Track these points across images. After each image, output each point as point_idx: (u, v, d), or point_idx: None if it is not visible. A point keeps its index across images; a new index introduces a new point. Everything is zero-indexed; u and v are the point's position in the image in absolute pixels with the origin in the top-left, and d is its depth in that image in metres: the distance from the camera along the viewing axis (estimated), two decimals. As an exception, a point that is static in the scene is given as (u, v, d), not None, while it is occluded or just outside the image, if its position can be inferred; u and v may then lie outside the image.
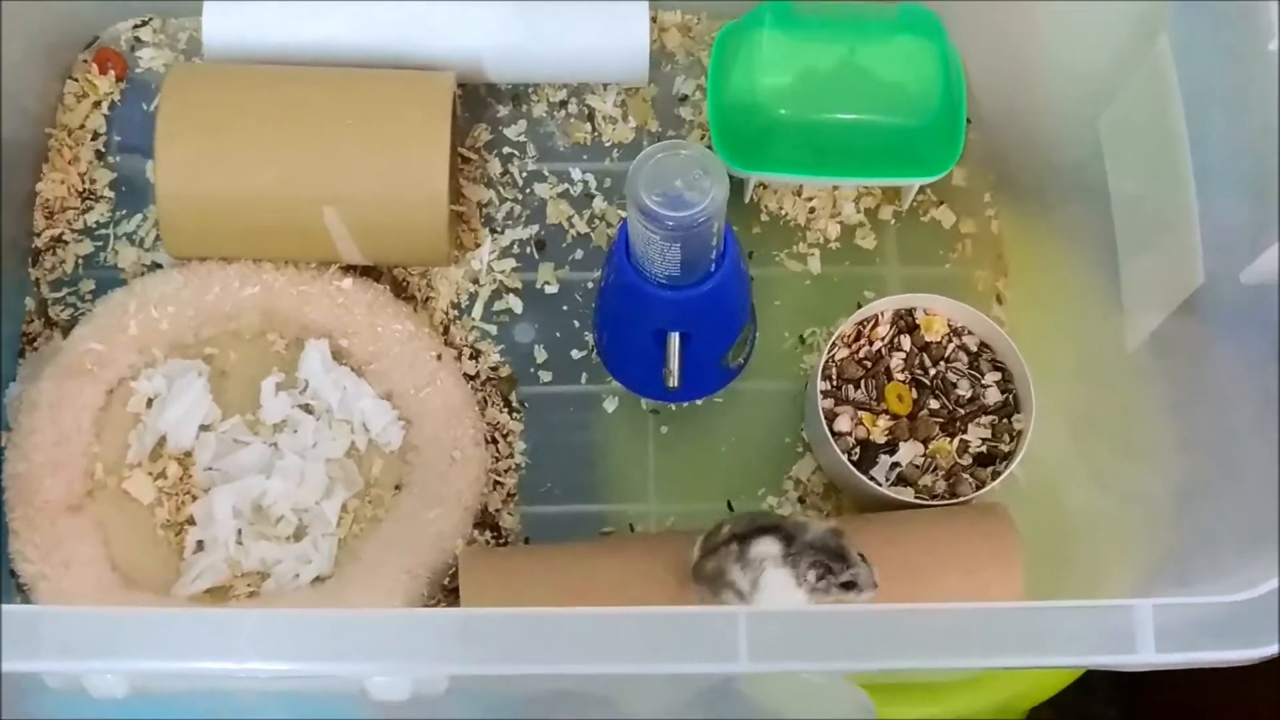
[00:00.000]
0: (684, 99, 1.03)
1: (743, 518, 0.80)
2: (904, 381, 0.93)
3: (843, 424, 0.91)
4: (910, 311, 0.94)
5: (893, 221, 1.01)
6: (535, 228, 0.99)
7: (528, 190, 1.00)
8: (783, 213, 1.00)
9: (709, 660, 0.62)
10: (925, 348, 0.93)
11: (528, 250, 0.99)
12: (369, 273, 0.95)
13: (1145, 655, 0.64)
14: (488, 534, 0.92)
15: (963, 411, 0.92)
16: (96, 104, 1.00)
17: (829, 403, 0.92)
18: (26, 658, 0.60)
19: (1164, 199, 0.80)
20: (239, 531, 0.88)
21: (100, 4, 1.01)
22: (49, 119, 0.99)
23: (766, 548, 0.77)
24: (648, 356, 0.91)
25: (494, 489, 0.93)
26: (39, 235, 0.97)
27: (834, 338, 0.92)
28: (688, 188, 0.80)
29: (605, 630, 0.62)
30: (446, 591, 0.89)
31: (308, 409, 0.92)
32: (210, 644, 0.61)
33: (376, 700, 0.64)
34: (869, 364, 0.93)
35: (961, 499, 0.90)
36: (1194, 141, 0.77)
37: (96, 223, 0.98)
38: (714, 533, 0.80)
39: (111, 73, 1.01)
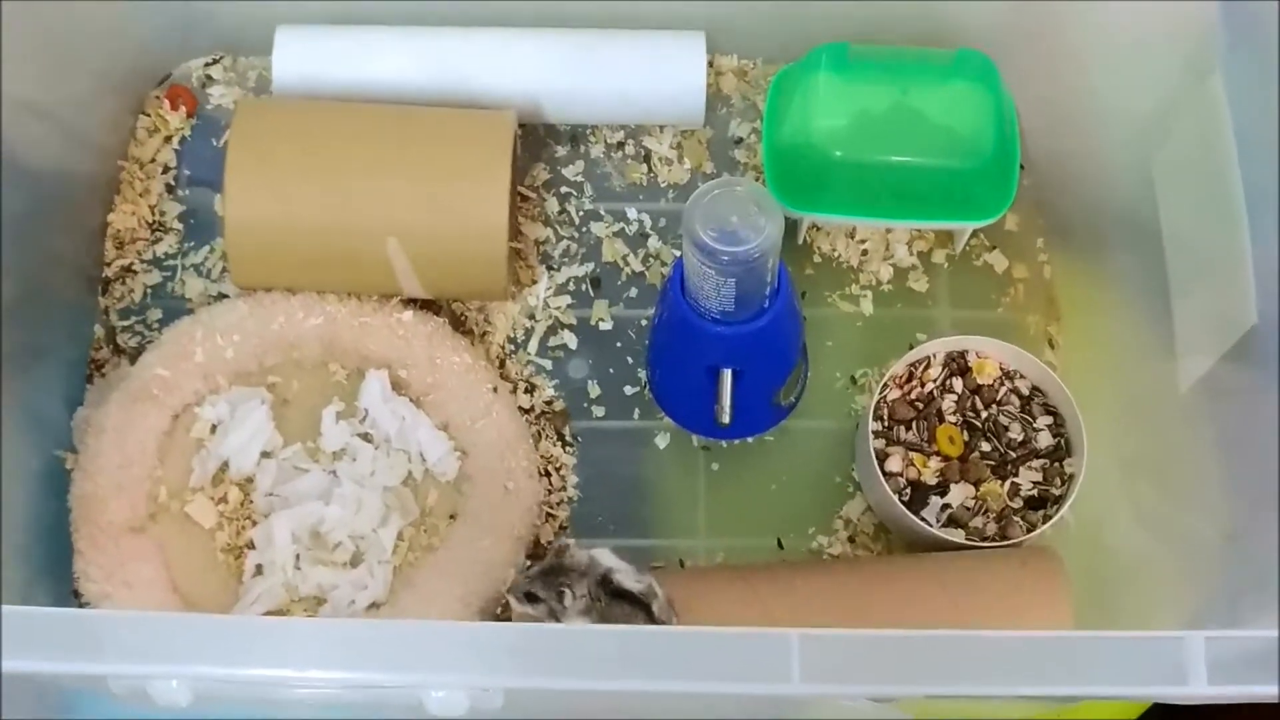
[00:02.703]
0: (739, 141, 1.04)
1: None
2: (955, 424, 0.93)
3: (894, 464, 0.92)
4: (963, 354, 0.94)
5: (945, 265, 1.02)
6: (591, 265, 1.01)
7: (584, 229, 1.02)
8: (835, 254, 1.01)
9: (761, 681, 0.62)
10: (977, 390, 0.94)
11: (583, 287, 1.00)
12: (428, 306, 0.97)
13: (1197, 688, 0.64)
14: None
15: (1014, 455, 0.92)
16: (167, 139, 1.03)
17: (880, 443, 0.92)
18: (90, 661, 0.61)
19: (1217, 239, 0.80)
20: (297, 556, 0.90)
21: (173, 42, 1.03)
22: (121, 152, 1.02)
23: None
24: (700, 393, 0.92)
25: (546, 520, 0.94)
26: (109, 265, 0.99)
27: (886, 378, 0.93)
28: (743, 224, 0.81)
29: (658, 648, 0.62)
30: (498, 620, 0.90)
31: (366, 438, 0.93)
32: (271, 651, 0.61)
33: (434, 716, 0.64)
34: (921, 405, 0.94)
35: (1012, 541, 0.90)
36: (1246, 181, 0.77)
37: (165, 254, 1.00)
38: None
39: (183, 109, 1.03)
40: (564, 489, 0.95)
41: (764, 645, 0.62)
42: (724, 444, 0.97)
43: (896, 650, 0.63)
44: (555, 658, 0.62)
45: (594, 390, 0.98)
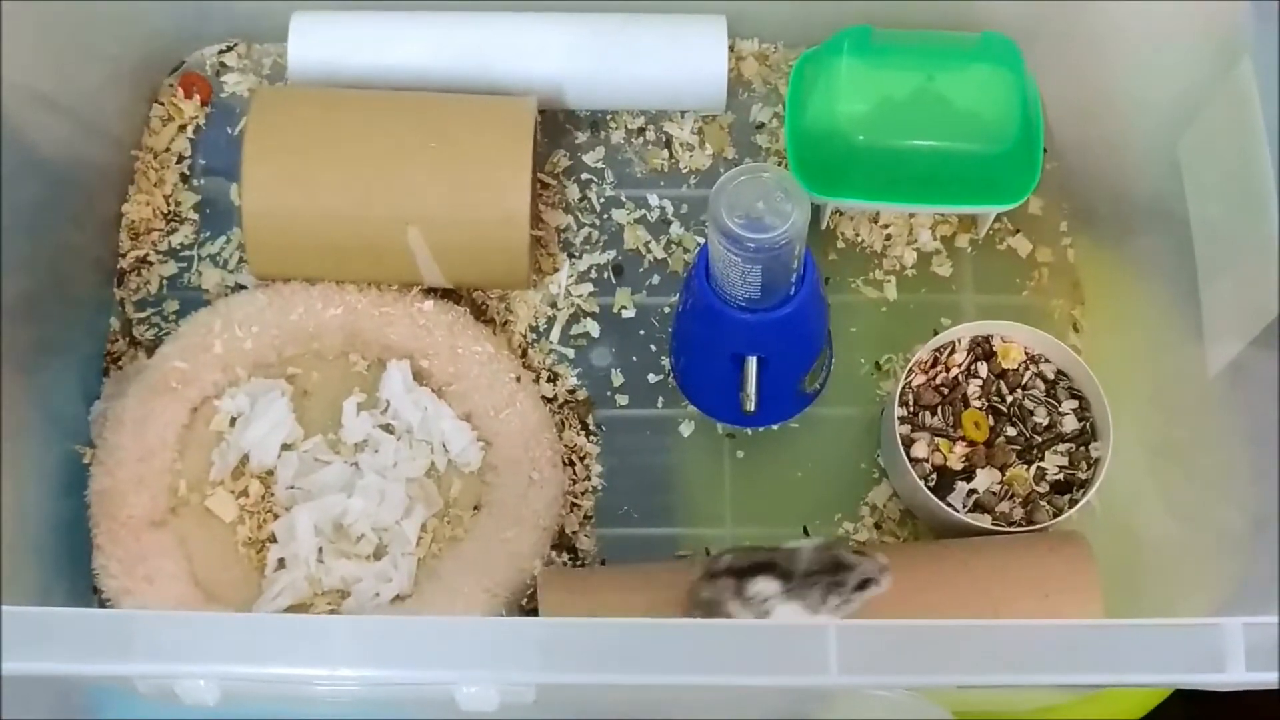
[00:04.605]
0: (760, 126, 1.03)
1: (742, 552, 0.79)
2: (981, 408, 0.93)
3: (919, 450, 0.91)
4: (987, 339, 0.94)
5: (969, 249, 1.01)
6: (612, 253, 1.00)
7: (605, 216, 1.01)
8: (859, 239, 1.01)
9: (798, 673, 0.62)
10: (1002, 375, 0.93)
11: (605, 275, 1.00)
12: (449, 295, 0.96)
13: (1235, 674, 0.63)
14: (564, 555, 0.93)
15: (1040, 439, 0.92)
16: (182, 127, 1.02)
17: (906, 429, 0.92)
18: (119, 661, 0.61)
19: (1245, 223, 0.79)
20: (320, 549, 0.89)
21: (186, 29, 1.03)
22: (135, 142, 1.01)
23: (765, 586, 0.75)
24: (724, 381, 0.92)
25: (571, 511, 0.94)
26: (124, 256, 0.99)
27: (911, 364, 0.92)
28: (769, 210, 0.80)
29: (693, 641, 0.62)
30: (524, 611, 0.89)
31: (388, 429, 0.92)
32: (302, 650, 0.61)
33: (465, 710, 0.64)
34: (946, 390, 0.93)
35: (1039, 526, 0.89)
36: (1275, 165, 0.76)
37: (181, 244, 0.99)
38: (714, 560, 0.80)
39: (197, 97, 1.02)
40: (588, 478, 0.95)
41: (801, 637, 0.62)
42: (749, 431, 0.97)
43: (934, 640, 0.62)
44: (587, 652, 0.61)
45: (617, 379, 0.97)
